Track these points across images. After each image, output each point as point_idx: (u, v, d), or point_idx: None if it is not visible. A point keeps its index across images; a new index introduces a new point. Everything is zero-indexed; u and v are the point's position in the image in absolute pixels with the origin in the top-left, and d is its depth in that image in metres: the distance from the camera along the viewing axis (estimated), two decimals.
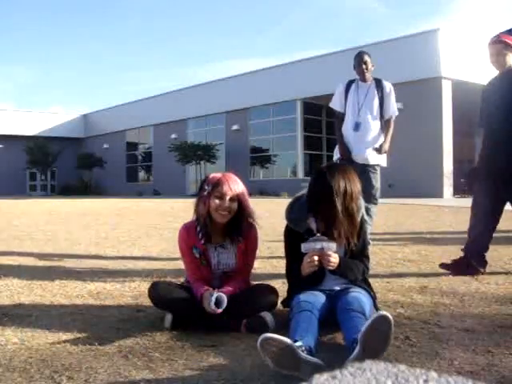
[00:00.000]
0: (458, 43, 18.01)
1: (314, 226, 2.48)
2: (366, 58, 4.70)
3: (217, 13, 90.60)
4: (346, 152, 4.69)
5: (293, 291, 2.48)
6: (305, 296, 2.29)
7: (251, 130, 25.53)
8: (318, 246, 2.34)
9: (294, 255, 2.49)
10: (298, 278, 2.44)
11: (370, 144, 4.70)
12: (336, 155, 4.84)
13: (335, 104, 4.92)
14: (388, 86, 4.79)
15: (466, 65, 17.50)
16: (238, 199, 2.53)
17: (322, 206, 2.38)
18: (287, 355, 1.85)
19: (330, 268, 2.36)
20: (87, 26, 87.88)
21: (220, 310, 2.33)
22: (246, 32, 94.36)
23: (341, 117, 4.85)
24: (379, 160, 4.77)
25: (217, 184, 2.50)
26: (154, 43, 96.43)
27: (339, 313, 2.22)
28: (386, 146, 4.76)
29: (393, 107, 4.82)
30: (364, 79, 4.74)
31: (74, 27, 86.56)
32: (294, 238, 2.50)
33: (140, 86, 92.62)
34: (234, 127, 25.71)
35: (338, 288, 2.45)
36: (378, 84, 4.78)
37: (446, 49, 17.83)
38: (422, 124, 17.98)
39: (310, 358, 1.85)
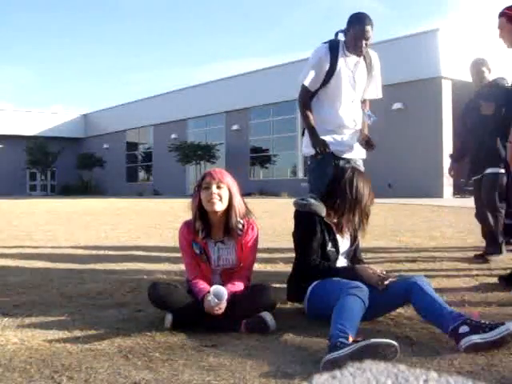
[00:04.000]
0: (457, 43, 18.00)
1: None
2: (370, 31, 3.29)
3: (217, 13, 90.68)
4: (326, 146, 3.32)
5: (307, 281, 2.57)
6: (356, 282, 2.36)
7: (251, 129, 25.53)
8: None
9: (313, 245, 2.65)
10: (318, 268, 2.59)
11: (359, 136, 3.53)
12: (308, 149, 3.45)
13: (313, 77, 3.40)
14: (378, 63, 3.56)
15: (466, 65, 17.45)
16: (228, 188, 2.60)
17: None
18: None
19: None
20: (87, 26, 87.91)
21: (224, 303, 2.35)
22: (246, 32, 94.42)
23: (310, 94, 3.46)
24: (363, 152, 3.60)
25: (203, 177, 2.66)
26: (154, 44, 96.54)
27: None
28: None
29: (380, 88, 3.64)
30: (359, 55, 3.40)
31: (74, 27, 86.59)
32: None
33: (140, 86, 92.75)
34: (234, 127, 25.72)
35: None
36: (366, 56, 3.47)
37: (445, 49, 17.82)
38: (422, 124, 17.98)
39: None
